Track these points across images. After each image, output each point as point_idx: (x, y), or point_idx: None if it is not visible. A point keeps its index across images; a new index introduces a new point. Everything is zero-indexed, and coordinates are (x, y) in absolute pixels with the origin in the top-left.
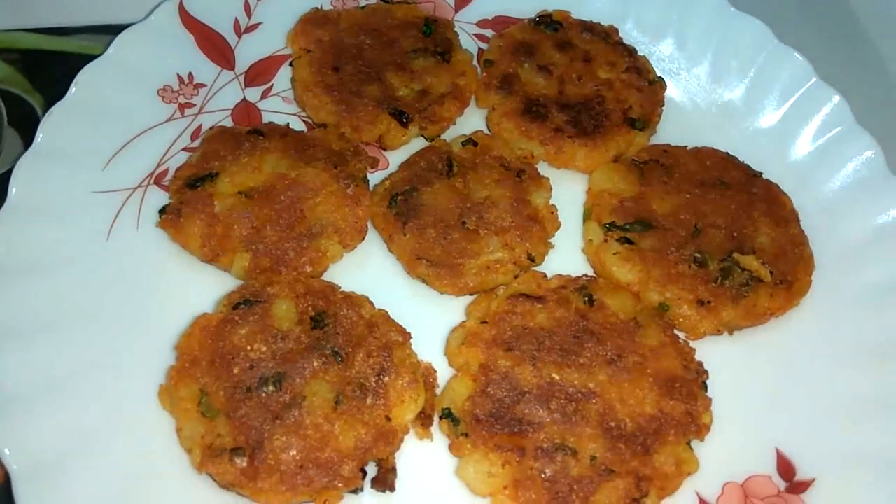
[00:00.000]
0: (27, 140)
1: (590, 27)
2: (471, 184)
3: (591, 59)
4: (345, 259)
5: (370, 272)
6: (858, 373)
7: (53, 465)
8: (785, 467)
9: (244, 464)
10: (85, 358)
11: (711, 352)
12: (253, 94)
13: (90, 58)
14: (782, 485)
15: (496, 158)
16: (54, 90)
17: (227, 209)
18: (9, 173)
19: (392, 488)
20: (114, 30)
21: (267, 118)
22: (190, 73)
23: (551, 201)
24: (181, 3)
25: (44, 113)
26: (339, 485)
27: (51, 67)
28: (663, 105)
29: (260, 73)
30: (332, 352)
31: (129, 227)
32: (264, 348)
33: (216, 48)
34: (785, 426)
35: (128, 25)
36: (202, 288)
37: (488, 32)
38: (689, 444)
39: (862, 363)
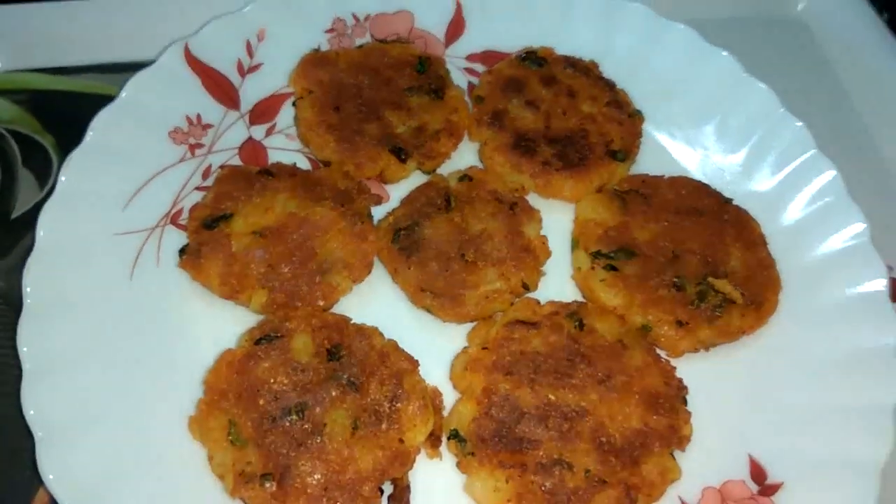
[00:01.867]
0: (41, 180)
1: (572, 62)
2: (468, 218)
3: (574, 93)
4: (354, 292)
5: (378, 304)
6: (823, 384)
7: (95, 491)
8: (757, 472)
9: (273, 488)
10: (118, 392)
11: (690, 368)
12: (258, 131)
13: (97, 96)
14: (755, 488)
15: (490, 192)
16: (64, 130)
17: (243, 248)
18: (26, 214)
19: None
20: (118, 68)
21: (272, 155)
22: (198, 115)
23: (542, 231)
24: (186, 47)
25: (56, 153)
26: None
27: (59, 107)
28: (642, 137)
29: (264, 112)
30: (348, 381)
31: (150, 266)
32: (286, 380)
33: (221, 89)
34: (757, 434)
35: (131, 64)
36: (223, 322)
37: (477, 66)
38: (671, 454)
39: (826, 375)
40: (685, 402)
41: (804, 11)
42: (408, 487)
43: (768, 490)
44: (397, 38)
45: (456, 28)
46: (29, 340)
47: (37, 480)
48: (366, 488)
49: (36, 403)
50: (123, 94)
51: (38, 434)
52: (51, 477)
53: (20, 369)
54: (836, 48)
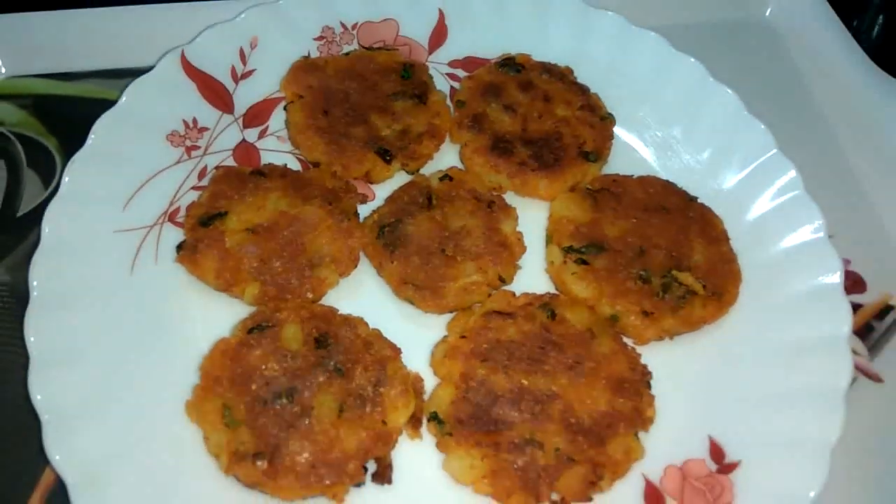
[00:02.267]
0: (45, 181)
1: (548, 68)
2: (448, 215)
3: (549, 98)
4: (341, 285)
5: (363, 296)
6: (777, 371)
7: (98, 470)
8: (716, 452)
9: (265, 466)
10: (120, 378)
11: (655, 355)
12: (251, 134)
13: (97, 101)
14: (714, 466)
15: (469, 191)
16: (67, 132)
17: (236, 244)
18: (31, 213)
19: (389, 481)
20: (118, 74)
21: (264, 156)
22: (194, 118)
23: (518, 228)
24: (183, 54)
25: (59, 155)
26: (346, 480)
27: (61, 111)
28: (613, 139)
29: (256, 116)
30: (334, 368)
31: (149, 262)
32: (277, 367)
33: (216, 94)
34: (716, 417)
35: (131, 70)
36: (218, 313)
37: (459, 72)
38: (636, 434)
39: (780, 362)
40: (649, 386)
41: (772, 16)
42: (390, 465)
43: (726, 468)
44: (383, 46)
45: (439, 36)
46: (36, 331)
47: (43, 460)
48: (351, 466)
49: (42, 389)
50: (123, 99)
51: (44, 418)
52: (57, 457)
53: (27, 357)
54: (801, 51)
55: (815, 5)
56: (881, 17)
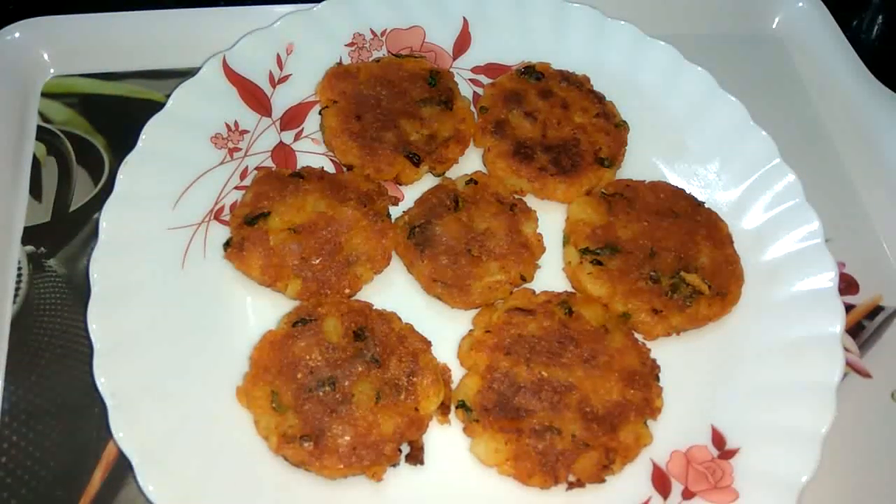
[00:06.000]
0: (94, 177)
1: (566, 77)
2: (473, 217)
3: (567, 105)
4: (375, 281)
5: (395, 292)
6: (776, 365)
7: (158, 448)
8: (717, 439)
9: (311, 447)
10: (176, 365)
11: (663, 350)
12: (287, 136)
13: (141, 101)
14: (715, 452)
15: (493, 195)
16: (112, 131)
17: (279, 243)
18: (83, 208)
19: (422, 462)
20: (158, 75)
21: (300, 157)
22: (235, 121)
23: (538, 230)
24: (224, 60)
25: (106, 153)
26: (383, 461)
27: (106, 110)
28: (627, 145)
29: (292, 119)
30: (371, 359)
31: (198, 258)
32: (319, 357)
33: (255, 98)
34: (719, 407)
35: (172, 71)
36: (264, 307)
37: (482, 77)
38: (645, 422)
39: (779, 357)
40: (658, 378)
41: (778, 28)
42: (422, 448)
43: (727, 454)
44: (410, 52)
45: (463, 42)
46: (97, 322)
47: (106, 434)
48: (387, 448)
49: (105, 374)
50: (170, 103)
51: (108, 400)
52: (120, 435)
53: (86, 344)
54: (804, 62)
55: (820, 19)
56: (880, 16)
